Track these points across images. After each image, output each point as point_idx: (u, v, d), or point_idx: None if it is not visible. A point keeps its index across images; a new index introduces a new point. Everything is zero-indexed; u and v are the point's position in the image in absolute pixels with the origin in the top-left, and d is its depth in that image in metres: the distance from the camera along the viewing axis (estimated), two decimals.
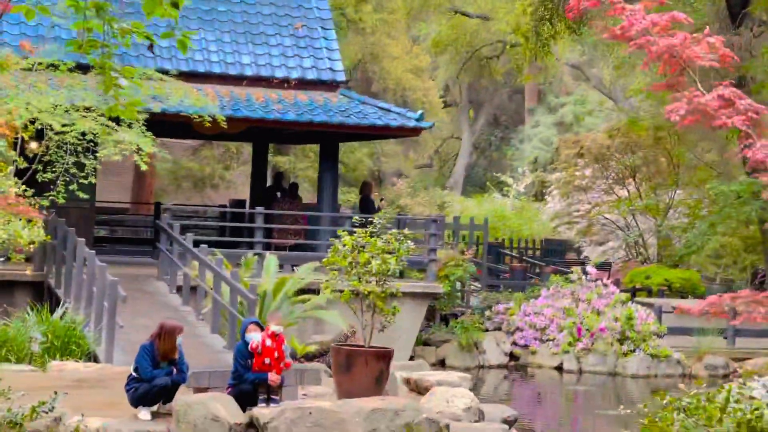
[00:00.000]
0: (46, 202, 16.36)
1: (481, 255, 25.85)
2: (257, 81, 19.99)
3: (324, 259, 12.35)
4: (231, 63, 19.98)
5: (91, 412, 10.78)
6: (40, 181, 15.82)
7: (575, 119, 53.16)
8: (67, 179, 15.72)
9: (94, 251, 15.40)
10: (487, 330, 22.47)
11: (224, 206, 24.31)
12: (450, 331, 21.61)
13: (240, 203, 23.44)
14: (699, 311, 10.00)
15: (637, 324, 21.26)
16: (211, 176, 35.61)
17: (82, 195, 15.73)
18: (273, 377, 10.79)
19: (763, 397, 6.75)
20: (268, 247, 19.44)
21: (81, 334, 14.11)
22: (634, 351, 21.17)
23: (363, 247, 12.08)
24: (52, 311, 14.84)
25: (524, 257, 29.53)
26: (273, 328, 10.95)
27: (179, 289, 17.23)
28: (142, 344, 10.64)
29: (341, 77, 20.61)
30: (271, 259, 17.36)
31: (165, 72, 17.23)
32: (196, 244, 17.16)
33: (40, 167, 15.91)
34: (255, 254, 18.21)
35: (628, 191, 33.53)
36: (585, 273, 22.96)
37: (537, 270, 27.68)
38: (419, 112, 20.38)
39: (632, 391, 20.02)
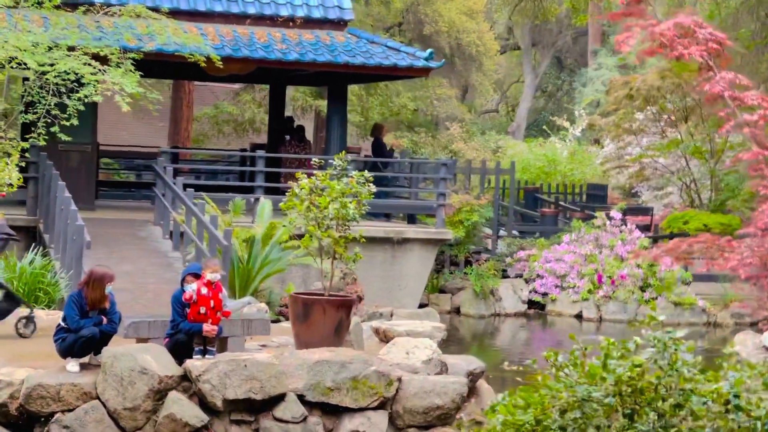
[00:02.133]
0: (26, 144, 16.04)
1: (507, 199, 25.06)
2: (261, 20, 19.36)
3: (281, 203, 11.83)
4: (233, 1, 19.36)
5: (27, 362, 10.43)
6: (21, 122, 15.49)
7: (642, 61, 51.67)
8: (49, 120, 15.29)
9: (69, 196, 15.00)
10: (508, 277, 21.81)
11: (245, 150, 23.84)
12: (466, 278, 20.96)
13: (260, 147, 22.94)
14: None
15: (660, 271, 20.39)
16: (251, 120, 35.12)
17: (65, 137, 15.23)
18: (207, 327, 10.29)
19: (651, 354, 6.03)
20: (274, 191, 18.94)
21: (50, 281, 13.76)
22: (656, 299, 20.35)
23: (322, 190, 11.47)
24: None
25: (559, 202, 28.60)
26: (209, 276, 10.43)
27: (172, 235, 16.83)
28: (70, 293, 10.22)
29: (349, 15, 19.89)
30: (266, 203, 16.88)
31: (156, 10, 16.69)
32: (193, 189, 16.72)
33: (21, 108, 15.57)
34: (256, 199, 17.77)
35: (681, 134, 32.36)
36: (610, 218, 22.09)
37: (567, 215, 26.78)
38: (429, 51, 19.60)
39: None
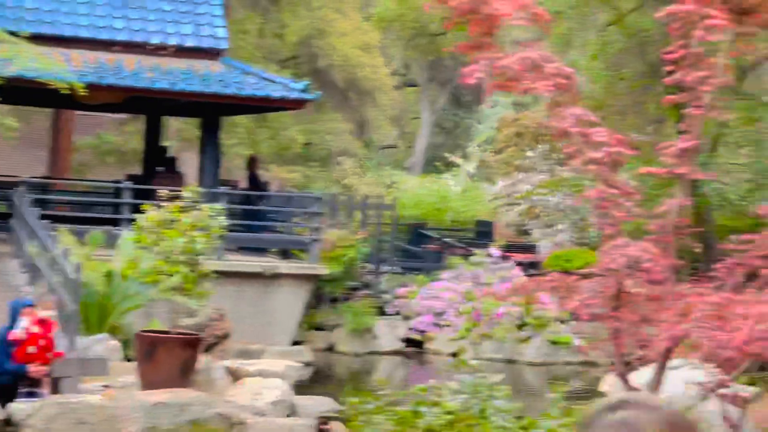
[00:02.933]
0: None
1: (381, 234, 24.76)
2: (130, 47, 18.82)
3: (128, 236, 11.31)
4: (102, 27, 18.78)
5: None
6: None
7: (534, 98, 52.07)
8: None
9: None
10: (386, 314, 21.47)
11: (118, 181, 23.16)
12: (341, 315, 20.56)
13: (134, 178, 22.29)
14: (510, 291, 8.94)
15: (537, 309, 20.24)
16: (135, 151, 34.35)
17: None
18: (34, 368, 9.71)
19: (456, 398, 5.70)
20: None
21: None
22: (532, 337, 20.17)
23: (171, 222, 10.99)
24: None
25: (444, 239, 28.41)
26: (41, 313, 9.86)
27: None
28: None
29: (224, 45, 19.47)
30: (128, 235, 16.28)
31: (15, 34, 16.06)
32: (50, 220, 16.05)
33: None
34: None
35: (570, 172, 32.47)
36: (489, 255, 21.92)
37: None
38: (304, 82, 19.25)
39: (528, 379, 19.05)
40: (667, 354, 8.36)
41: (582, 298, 8.30)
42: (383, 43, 49.17)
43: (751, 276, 8.59)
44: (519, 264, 22.32)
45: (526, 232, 36.14)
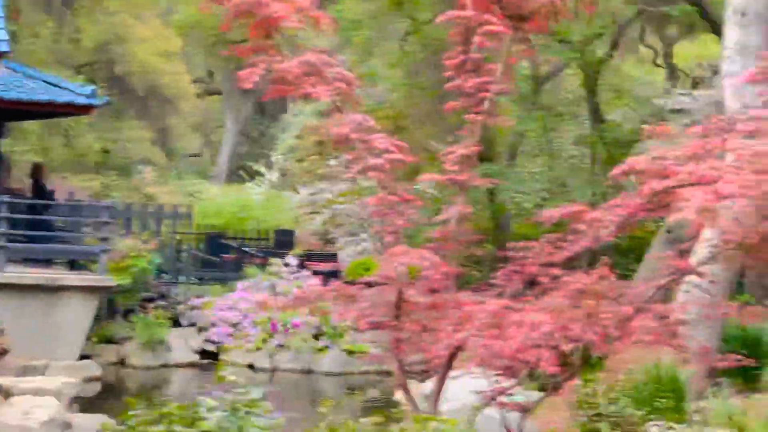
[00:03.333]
0: None
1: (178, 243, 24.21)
2: None
3: None
4: None
5: None
6: None
7: (337, 107, 52.09)
8: None
9: None
10: (181, 325, 20.92)
11: None
12: (133, 328, 19.90)
13: None
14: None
15: (334, 318, 20.03)
16: None
17: None
18: None
19: (220, 418, 5.39)
20: None
21: None
22: (329, 347, 19.99)
23: None
24: None
25: (243, 248, 27.99)
26: None
27: None
28: None
29: (5, 47, 18.56)
30: None
31: None
32: None
33: None
34: None
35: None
36: (287, 264, 21.65)
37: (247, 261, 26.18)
38: (91, 88, 18.57)
39: (323, 389, 18.85)
40: (449, 363, 8.26)
41: (361, 308, 8.13)
42: (186, 51, 48.38)
43: (532, 283, 8.60)
44: (319, 273, 22.08)
45: (330, 241, 36.06)
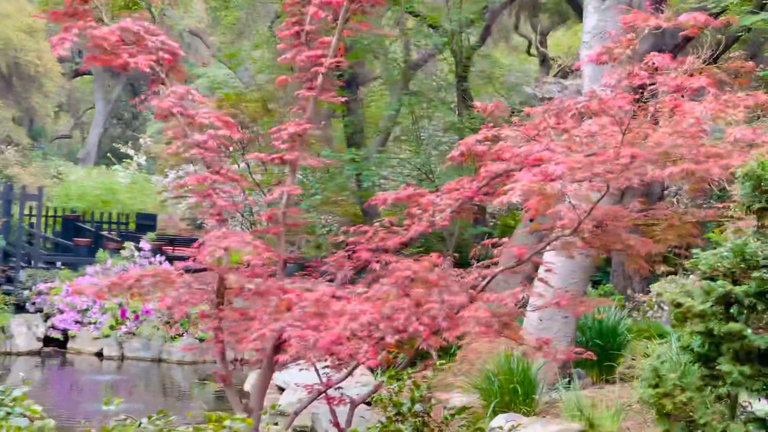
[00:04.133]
0: None
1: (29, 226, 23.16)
2: None
3: None
4: None
5: None
6: None
7: (210, 90, 51.13)
8: None
9: None
10: (26, 311, 19.94)
11: None
12: None
13: None
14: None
15: (145, 306, 19.31)
16: None
17: None
18: None
19: None
20: None
21: None
22: (182, 335, 19.25)
23: None
24: None
25: (100, 232, 27.03)
26: None
27: None
28: None
29: None
30: None
31: None
32: None
33: None
34: None
35: (247, 165, 31.78)
36: (139, 249, 20.82)
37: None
38: None
39: (174, 378, 18.11)
40: (274, 354, 7.71)
41: (177, 294, 7.52)
42: (51, 28, 46.89)
43: (364, 270, 8.11)
44: (176, 258, 21.32)
45: (200, 226, 35.14)
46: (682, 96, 6.15)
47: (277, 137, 8.27)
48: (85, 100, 60.27)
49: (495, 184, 7.60)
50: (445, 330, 6.76)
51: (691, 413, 5.64)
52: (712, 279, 5.52)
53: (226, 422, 4.87)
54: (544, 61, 38.17)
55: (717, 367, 5.41)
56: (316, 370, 7.82)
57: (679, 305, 5.63)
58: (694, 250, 6.29)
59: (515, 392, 12.50)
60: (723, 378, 5.36)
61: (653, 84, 6.13)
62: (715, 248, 5.92)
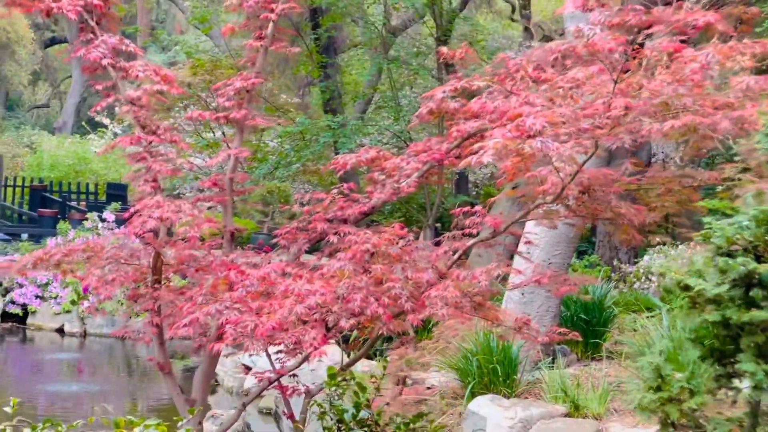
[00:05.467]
0: None
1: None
2: None
3: None
4: None
5: None
6: None
7: (186, 56, 50.10)
8: None
9: None
10: None
11: None
12: None
13: None
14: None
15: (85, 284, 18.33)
16: None
17: None
18: None
19: None
20: None
21: None
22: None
23: None
24: None
25: (67, 203, 26.05)
26: None
27: None
28: None
29: None
30: None
31: None
32: None
33: None
34: None
35: (223, 133, 30.79)
36: (103, 220, 19.86)
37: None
38: None
39: (138, 355, 17.22)
40: (219, 338, 6.78)
41: (100, 273, 6.59)
42: None
43: (321, 243, 7.19)
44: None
45: (178, 197, 34.20)
46: (684, 41, 5.22)
47: (222, 93, 7.33)
48: (63, 69, 59.18)
49: (468, 146, 6.68)
50: (409, 312, 5.85)
51: (703, 422, 4.72)
52: (729, 255, 4.53)
53: (136, 429, 3.97)
54: (528, 27, 37.19)
55: (735, 366, 4.45)
56: (268, 356, 6.90)
57: (687, 288, 4.68)
58: (707, 219, 5.31)
59: (495, 372, 11.67)
60: (742, 379, 4.42)
61: (649, 27, 5.19)
62: (718, 218, 5.03)
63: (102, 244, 7.09)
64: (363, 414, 3.80)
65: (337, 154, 24.59)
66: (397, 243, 6.39)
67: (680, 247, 18.44)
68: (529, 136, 4.81)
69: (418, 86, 29.87)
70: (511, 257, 14.77)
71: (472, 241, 6.51)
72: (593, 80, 5.09)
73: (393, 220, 23.85)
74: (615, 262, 19.32)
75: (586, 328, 13.42)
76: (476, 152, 5.05)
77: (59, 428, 4.08)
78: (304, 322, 5.57)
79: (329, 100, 26.09)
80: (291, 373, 6.98)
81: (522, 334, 6.96)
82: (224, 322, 5.62)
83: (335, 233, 6.80)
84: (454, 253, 6.50)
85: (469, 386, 11.48)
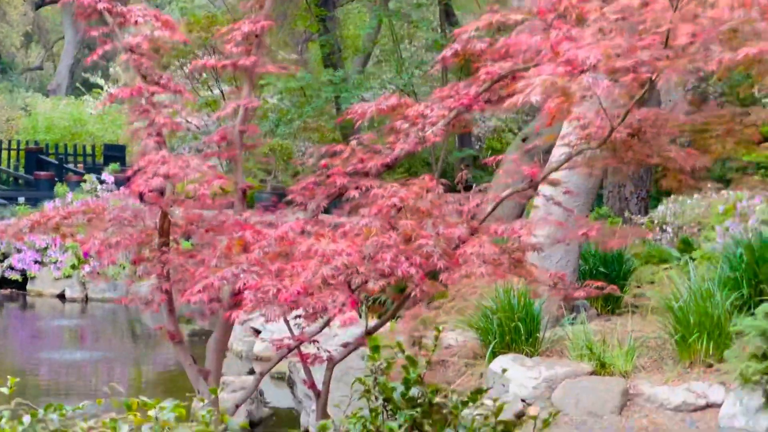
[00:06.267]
0: None
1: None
2: None
3: None
4: None
5: None
6: None
7: (181, 14, 49.32)
8: None
9: None
10: None
11: None
12: None
13: None
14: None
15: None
16: None
17: None
18: None
19: None
20: None
21: None
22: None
23: None
24: None
25: (65, 165, 25.49)
26: None
27: None
28: None
29: None
30: None
31: None
32: None
33: None
34: None
35: (221, 91, 30.15)
36: (102, 181, 19.32)
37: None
38: None
39: (142, 321, 16.76)
40: (236, 305, 6.26)
41: (106, 235, 6.06)
42: None
43: (340, 199, 6.65)
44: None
45: None
46: None
47: (229, 39, 6.75)
48: (55, 30, 58.36)
49: (498, 89, 6.13)
50: (442, 271, 5.32)
51: None
52: None
53: (151, 412, 3.46)
54: None
55: None
56: (286, 321, 6.37)
57: None
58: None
59: (517, 331, 11.20)
60: None
61: None
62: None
63: (103, 206, 6.56)
64: (413, 391, 3.31)
65: (338, 110, 24.01)
66: (425, 196, 5.86)
67: (695, 196, 17.96)
68: (582, 71, 4.26)
69: (418, 39, 29.24)
70: (520, 215, 14.21)
71: (507, 192, 5.97)
72: (648, 8, 4.52)
73: (396, 176, 23.26)
74: (626, 214, 18.84)
75: (605, 282, 12.90)
76: (519, 91, 4.49)
77: (62, 412, 3.56)
78: (330, 286, 5.04)
79: (329, 55, 25.49)
80: (311, 339, 6.47)
81: (557, 291, 6.44)
82: (242, 288, 5.09)
83: (356, 188, 6.27)
84: (487, 206, 5.96)
85: (491, 346, 11.02)
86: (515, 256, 5.49)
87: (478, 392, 3.29)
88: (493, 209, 6.05)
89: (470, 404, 3.30)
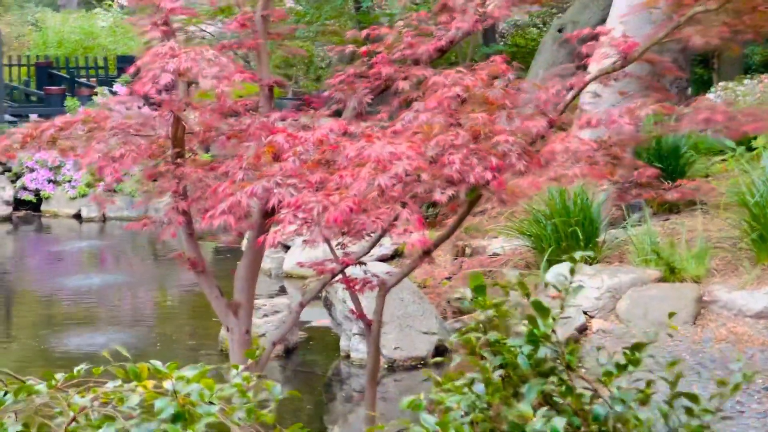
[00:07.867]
0: None
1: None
2: None
3: None
4: None
5: None
6: None
7: None
8: None
9: None
10: None
11: None
12: None
13: None
14: None
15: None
16: None
17: None
18: None
19: None
20: None
21: None
22: None
23: None
24: None
25: (76, 78, 24.39)
26: None
27: None
28: None
29: None
30: None
31: None
32: None
33: None
34: None
35: None
36: (114, 93, 18.25)
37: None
38: None
39: (167, 241, 15.77)
40: (261, 229, 5.23)
41: (108, 146, 5.02)
42: None
43: (385, 93, 5.58)
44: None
45: None
46: None
47: None
48: None
49: None
50: (524, 174, 4.25)
51: None
52: None
53: (167, 383, 2.43)
54: None
55: None
56: (327, 241, 5.31)
57: None
58: None
59: (574, 236, 10.18)
60: None
61: None
62: None
63: (105, 114, 5.50)
64: (542, 352, 2.29)
65: (358, 9, 22.72)
66: (493, 83, 4.77)
67: (746, 81, 16.78)
68: None
69: None
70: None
71: (592, 74, 4.87)
72: None
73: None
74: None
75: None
76: None
77: (51, 382, 2.59)
78: (388, 200, 3.98)
79: None
80: (358, 261, 5.44)
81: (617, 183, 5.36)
82: (278, 206, 4.04)
83: (405, 78, 5.18)
84: (568, 92, 4.87)
85: (546, 254, 10.01)
86: (613, 151, 4.41)
87: (637, 348, 2.24)
88: (574, 97, 4.96)
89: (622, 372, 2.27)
